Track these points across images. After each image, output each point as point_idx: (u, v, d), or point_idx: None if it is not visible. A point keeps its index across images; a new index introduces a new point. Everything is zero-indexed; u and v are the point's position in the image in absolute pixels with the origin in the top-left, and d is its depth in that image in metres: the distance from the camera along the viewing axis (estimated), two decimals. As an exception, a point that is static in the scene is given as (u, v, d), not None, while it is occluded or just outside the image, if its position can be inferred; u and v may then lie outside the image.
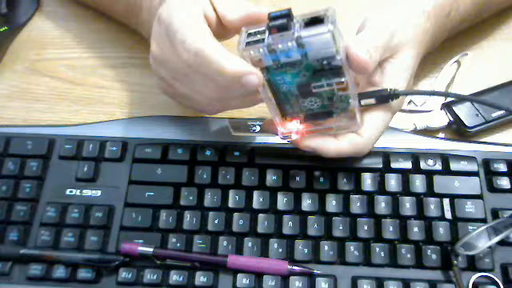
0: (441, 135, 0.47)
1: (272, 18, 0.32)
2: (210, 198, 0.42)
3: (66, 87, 0.50)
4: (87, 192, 0.43)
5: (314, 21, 0.31)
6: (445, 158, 0.43)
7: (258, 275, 0.39)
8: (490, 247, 0.39)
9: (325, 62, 0.33)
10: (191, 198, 0.42)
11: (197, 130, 0.45)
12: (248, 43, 0.32)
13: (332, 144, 0.38)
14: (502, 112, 0.45)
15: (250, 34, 0.33)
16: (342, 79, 0.34)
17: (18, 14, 0.54)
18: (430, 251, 0.40)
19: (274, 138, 0.44)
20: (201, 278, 0.39)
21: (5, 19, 0.53)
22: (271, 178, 0.42)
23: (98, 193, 0.43)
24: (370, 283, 0.39)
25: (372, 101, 0.37)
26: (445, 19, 0.43)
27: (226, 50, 0.34)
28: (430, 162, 0.43)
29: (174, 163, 0.43)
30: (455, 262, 0.38)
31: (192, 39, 0.34)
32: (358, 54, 0.34)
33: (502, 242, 0.39)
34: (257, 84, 0.33)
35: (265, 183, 0.42)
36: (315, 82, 0.34)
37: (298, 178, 0.42)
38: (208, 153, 0.43)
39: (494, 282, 0.39)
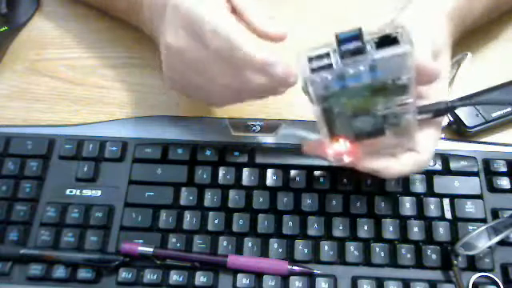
0: (441, 135, 0.46)
1: (342, 40, 0.28)
2: (209, 197, 0.42)
3: (66, 87, 0.50)
4: (87, 192, 0.43)
5: (387, 40, 0.28)
6: (445, 158, 0.43)
7: (258, 275, 0.39)
8: (490, 247, 0.39)
9: (390, 82, 0.30)
10: (191, 197, 0.42)
11: (197, 130, 0.45)
12: (313, 70, 0.29)
13: (394, 165, 0.36)
14: (502, 112, 0.45)
15: (311, 59, 0.29)
16: (408, 98, 0.31)
17: (18, 14, 0.54)
18: (429, 251, 0.40)
19: (274, 138, 0.45)
20: (201, 277, 0.39)
21: (5, 19, 0.53)
22: (271, 177, 0.42)
23: (98, 193, 0.43)
24: (370, 283, 0.39)
25: (429, 115, 0.35)
26: (461, 22, 0.43)
27: (256, 39, 0.34)
28: (430, 162, 0.43)
29: (174, 163, 0.43)
30: (455, 261, 0.38)
31: (223, 27, 0.34)
32: (431, 65, 0.33)
33: (502, 242, 0.39)
34: (284, 73, 0.33)
35: (265, 183, 0.42)
36: (375, 102, 0.31)
37: (297, 178, 0.42)
38: (208, 153, 0.43)
39: (494, 282, 0.39)
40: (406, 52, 0.28)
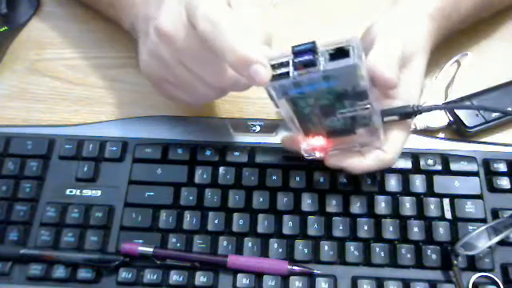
0: (441, 135, 0.46)
1: (296, 52, 0.31)
2: (209, 197, 0.42)
3: (66, 87, 0.50)
4: (87, 192, 0.43)
5: (339, 52, 0.30)
6: (445, 158, 0.43)
7: (258, 275, 0.39)
8: (490, 247, 0.39)
9: (349, 89, 0.32)
10: (191, 197, 0.42)
11: (197, 130, 0.45)
12: (273, 76, 0.31)
13: (359, 162, 0.38)
14: (502, 112, 0.45)
15: (272, 66, 0.31)
16: (366, 103, 0.33)
17: (18, 13, 0.54)
18: (429, 251, 0.40)
19: (274, 138, 0.45)
20: (201, 277, 0.39)
21: (5, 19, 0.53)
22: (271, 177, 0.42)
23: (98, 193, 0.43)
24: (370, 283, 0.39)
25: (395, 117, 0.37)
26: (446, 21, 0.43)
27: (245, 33, 0.32)
28: (430, 161, 0.43)
29: (174, 163, 0.43)
30: (455, 261, 0.38)
31: (211, 11, 0.32)
32: (386, 74, 0.34)
33: (502, 242, 0.39)
34: (265, 78, 0.31)
35: (265, 183, 0.42)
36: (338, 105, 0.34)
37: (297, 178, 0.42)
38: (208, 153, 0.43)
39: (494, 282, 0.39)
40: (355, 65, 0.30)
